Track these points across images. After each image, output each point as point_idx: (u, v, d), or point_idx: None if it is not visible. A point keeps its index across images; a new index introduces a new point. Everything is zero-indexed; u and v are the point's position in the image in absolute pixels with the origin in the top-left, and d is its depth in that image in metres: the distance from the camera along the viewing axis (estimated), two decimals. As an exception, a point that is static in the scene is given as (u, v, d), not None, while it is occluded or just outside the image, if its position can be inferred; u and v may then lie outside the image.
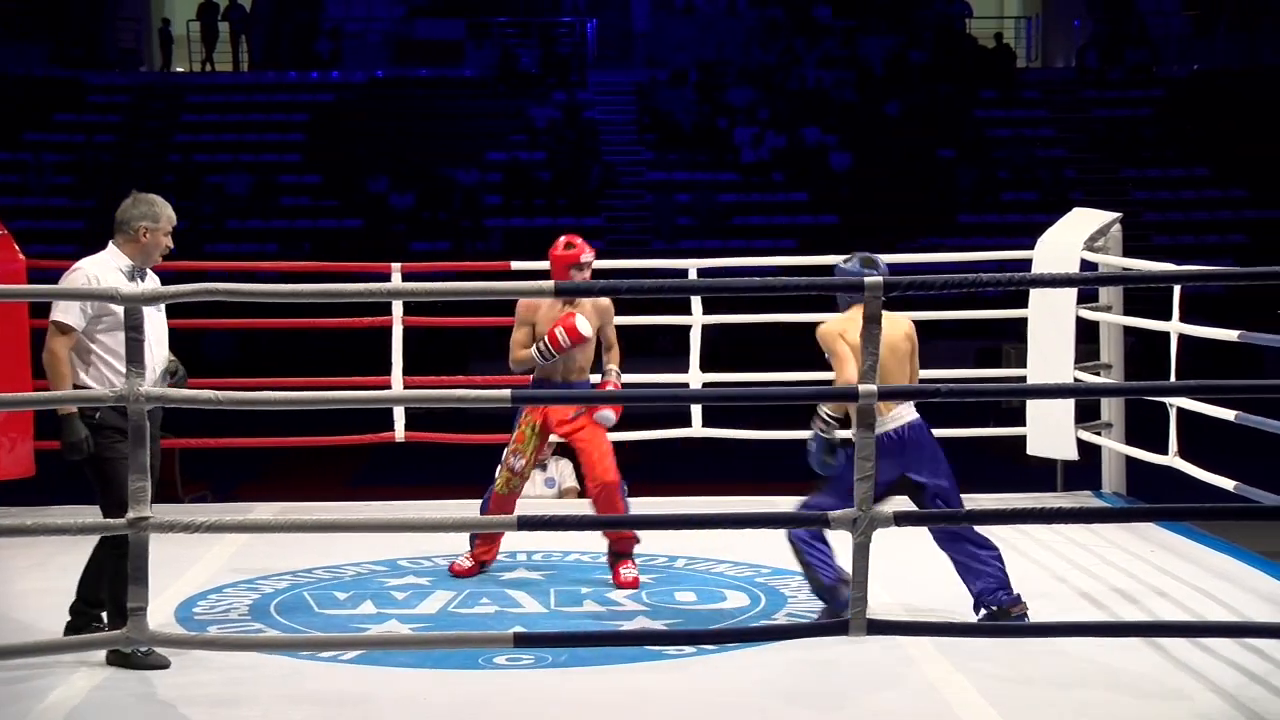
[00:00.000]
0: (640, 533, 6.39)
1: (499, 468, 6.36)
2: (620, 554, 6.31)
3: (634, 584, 6.20)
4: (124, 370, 4.64)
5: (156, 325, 5.24)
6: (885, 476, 5.21)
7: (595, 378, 6.45)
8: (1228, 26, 25.40)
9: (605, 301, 6.38)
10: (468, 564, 6.37)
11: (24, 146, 22.49)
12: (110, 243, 5.35)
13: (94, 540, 5.72)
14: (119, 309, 4.92)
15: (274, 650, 5.24)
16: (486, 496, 6.35)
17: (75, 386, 5.18)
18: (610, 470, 6.27)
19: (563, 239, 6.36)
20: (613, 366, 6.41)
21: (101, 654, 5.06)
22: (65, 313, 5.14)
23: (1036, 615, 5.44)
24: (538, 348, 6.16)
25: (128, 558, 4.50)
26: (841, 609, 5.17)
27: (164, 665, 5.09)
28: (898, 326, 5.54)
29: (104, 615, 5.30)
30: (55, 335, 5.16)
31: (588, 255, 6.30)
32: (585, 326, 6.16)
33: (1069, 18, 26.82)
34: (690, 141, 23.09)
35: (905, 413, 5.37)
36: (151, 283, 5.39)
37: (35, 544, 6.76)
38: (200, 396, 4.53)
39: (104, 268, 5.27)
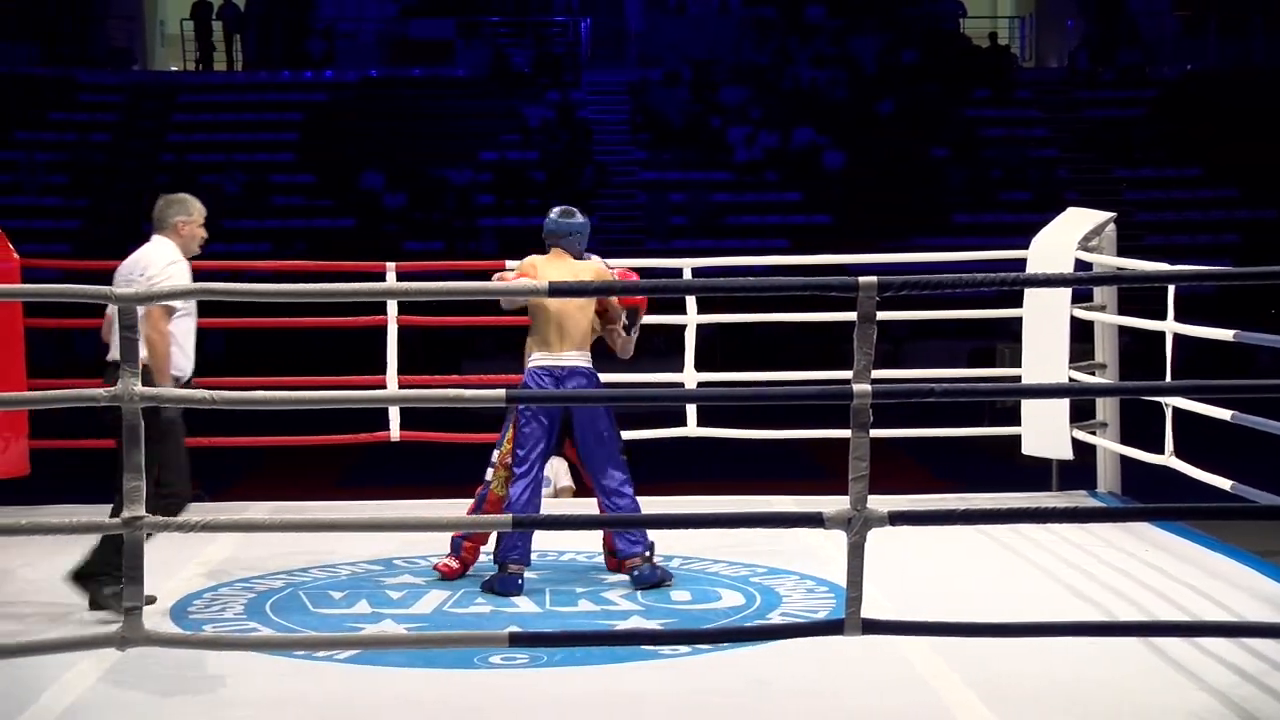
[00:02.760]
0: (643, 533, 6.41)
1: (491, 469, 6.34)
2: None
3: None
4: (188, 353, 5.88)
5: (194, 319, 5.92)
6: (552, 414, 6.12)
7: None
8: (1219, 27, 25.43)
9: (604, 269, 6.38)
10: (455, 565, 6.35)
11: (16, 145, 22.44)
12: (155, 237, 5.97)
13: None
14: (193, 305, 5.84)
15: (269, 650, 5.23)
16: (481, 495, 6.34)
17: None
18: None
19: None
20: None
21: (94, 655, 5.04)
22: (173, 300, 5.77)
23: (1032, 615, 5.45)
24: (624, 326, 6.33)
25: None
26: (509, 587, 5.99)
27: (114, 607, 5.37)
28: (583, 272, 6.19)
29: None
30: (164, 317, 5.79)
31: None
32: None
33: (1062, 18, 26.85)
34: (683, 141, 23.09)
35: (573, 357, 6.13)
36: None
37: (29, 544, 6.75)
38: (194, 396, 4.53)
39: (170, 256, 5.92)
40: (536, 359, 6.19)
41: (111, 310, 5.48)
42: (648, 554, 6.15)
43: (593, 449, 6.21)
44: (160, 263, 5.89)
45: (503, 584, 6.09)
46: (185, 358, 5.94)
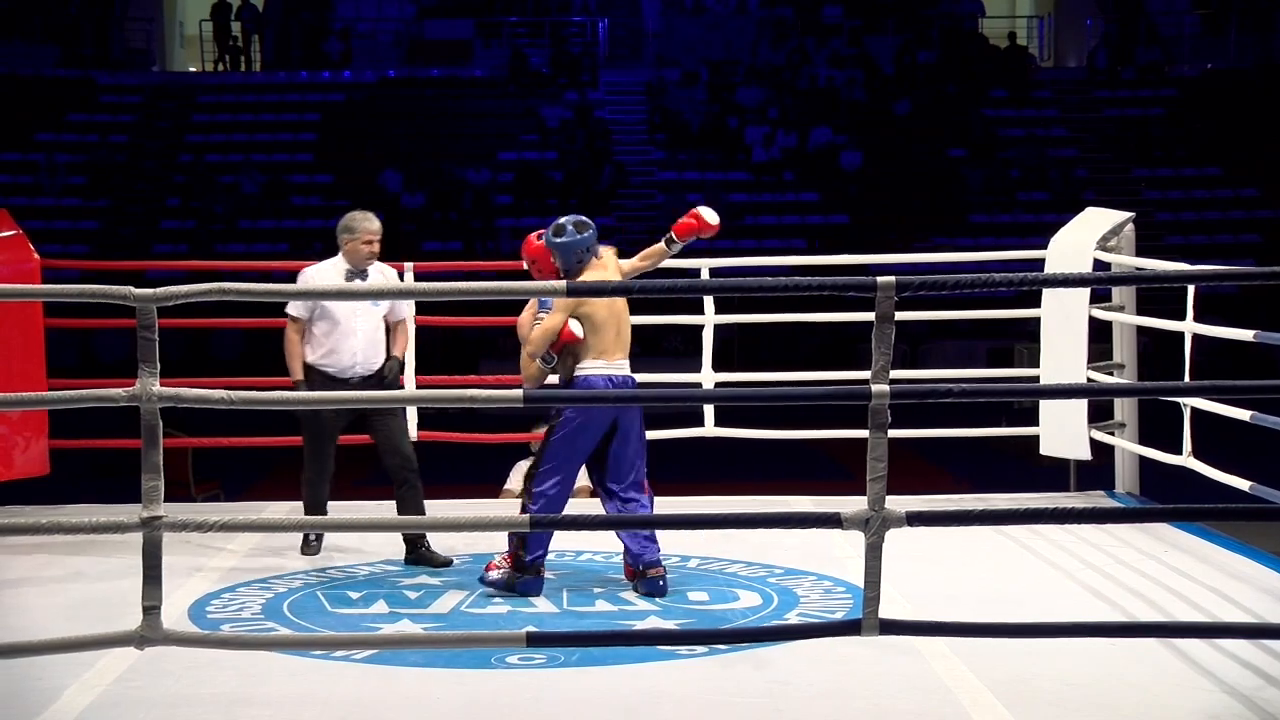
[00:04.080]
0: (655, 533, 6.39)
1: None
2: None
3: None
4: (332, 349, 6.52)
5: (366, 319, 6.53)
6: (603, 420, 5.98)
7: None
8: (1239, 26, 25.35)
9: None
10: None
11: (37, 147, 22.54)
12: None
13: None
14: (332, 305, 6.46)
15: (287, 650, 5.24)
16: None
17: (304, 363, 6.57)
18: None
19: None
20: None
21: (113, 654, 5.06)
22: (293, 307, 6.55)
23: (1050, 615, 5.43)
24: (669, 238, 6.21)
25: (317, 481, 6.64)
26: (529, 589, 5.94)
27: None
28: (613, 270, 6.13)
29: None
30: (289, 325, 6.59)
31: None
32: (712, 215, 6.27)
33: (1081, 17, 26.79)
34: (701, 141, 23.10)
35: (625, 365, 6.05)
36: (375, 278, 6.60)
37: (48, 543, 6.78)
38: (212, 396, 4.53)
39: (323, 270, 6.61)
40: (598, 367, 6.02)
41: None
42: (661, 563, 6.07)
43: (621, 451, 6.08)
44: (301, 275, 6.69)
45: (525, 586, 6.05)
46: (327, 354, 6.58)
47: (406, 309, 6.82)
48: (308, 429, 6.72)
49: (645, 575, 6.06)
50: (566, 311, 5.95)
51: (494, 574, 6.05)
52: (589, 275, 6.04)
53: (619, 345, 6.05)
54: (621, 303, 6.07)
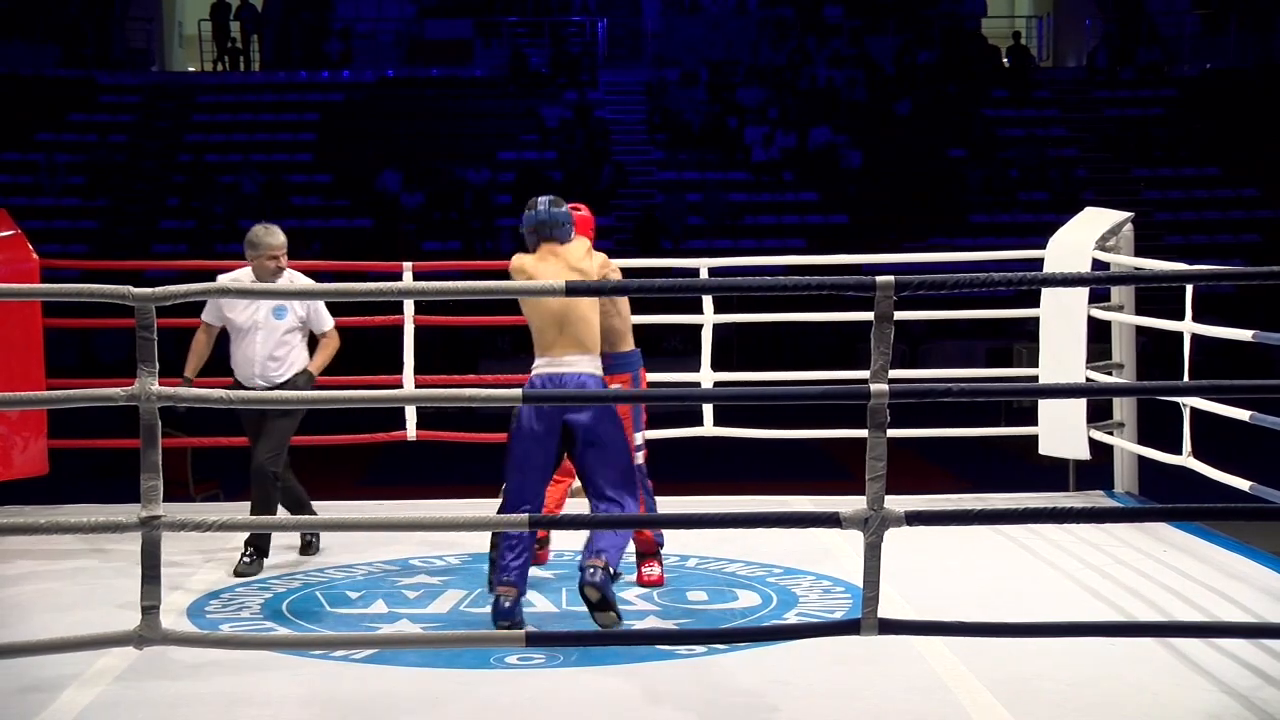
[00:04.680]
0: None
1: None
2: (643, 553, 6.32)
3: (658, 581, 6.25)
4: (236, 358, 6.59)
5: (264, 331, 6.52)
6: (547, 425, 5.50)
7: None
8: (1239, 26, 25.34)
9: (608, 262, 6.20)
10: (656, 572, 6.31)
11: (36, 147, 22.54)
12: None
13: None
14: (233, 316, 6.53)
15: (286, 649, 5.24)
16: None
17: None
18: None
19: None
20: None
21: (112, 653, 5.06)
22: (205, 314, 6.65)
23: (1049, 615, 5.44)
24: None
25: (269, 498, 6.38)
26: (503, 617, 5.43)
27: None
28: (582, 262, 5.69)
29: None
30: (200, 327, 6.68)
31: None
32: None
33: (1080, 17, 26.79)
34: (700, 141, 23.09)
35: (578, 363, 5.56)
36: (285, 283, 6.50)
37: (48, 542, 6.78)
38: (212, 395, 4.54)
39: (235, 279, 6.59)
40: (538, 365, 5.59)
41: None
42: (610, 565, 5.54)
43: (585, 458, 5.56)
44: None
45: (494, 609, 5.52)
46: (238, 354, 6.63)
47: (329, 322, 6.71)
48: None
49: (589, 566, 5.50)
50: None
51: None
52: (539, 262, 5.63)
53: (565, 343, 5.55)
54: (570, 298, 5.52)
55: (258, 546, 6.51)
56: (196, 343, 6.66)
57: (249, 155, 22.67)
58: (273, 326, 6.55)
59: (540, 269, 5.62)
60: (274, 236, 6.53)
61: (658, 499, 6.44)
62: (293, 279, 6.63)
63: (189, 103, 24.37)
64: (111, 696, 4.84)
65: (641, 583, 6.25)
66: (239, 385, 6.58)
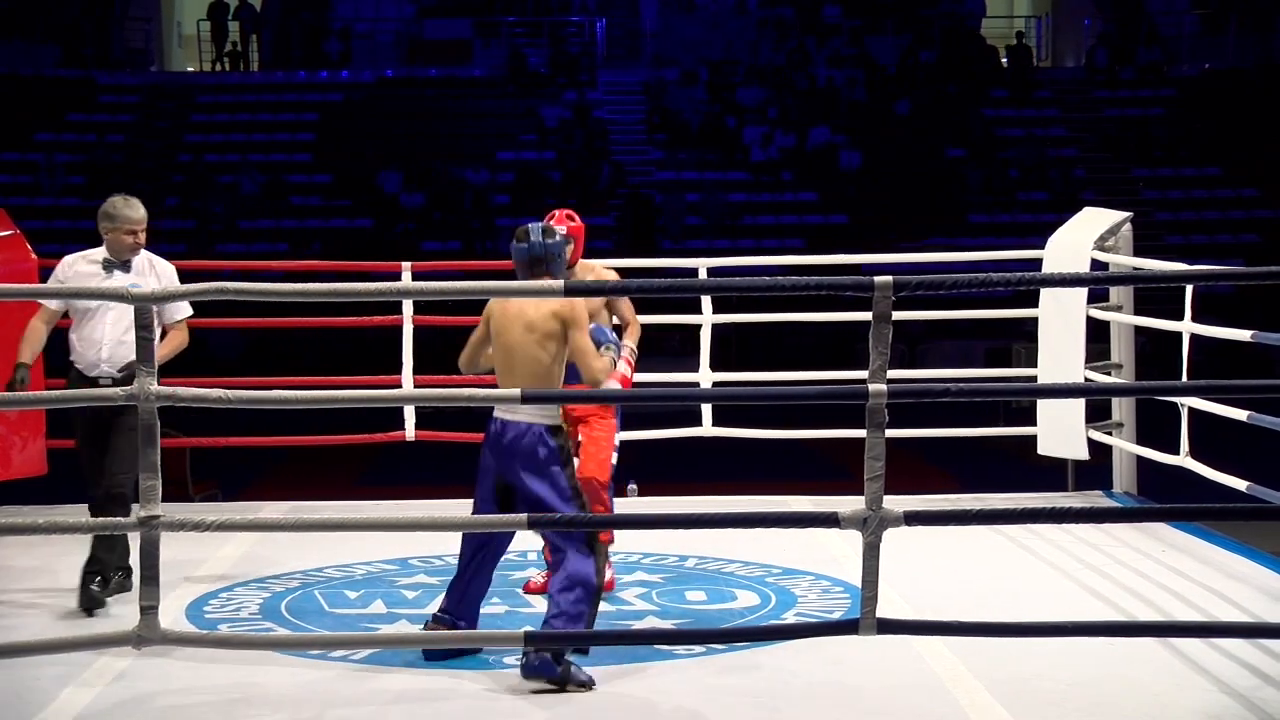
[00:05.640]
0: (652, 532, 6.36)
1: None
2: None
3: (609, 586, 5.93)
4: (79, 345, 5.95)
5: (115, 314, 5.89)
6: (485, 468, 5.09)
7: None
8: (1238, 25, 25.34)
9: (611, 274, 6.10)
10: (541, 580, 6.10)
11: (36, 147, 22.54)
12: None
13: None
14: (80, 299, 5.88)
15: (285, 649, 5.24)
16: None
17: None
18: (602, 468, 5.96)
19: (559, 212, 6.06)
20: (628, 343, 6.02)
21: (111, 654, 5.06)
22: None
23: (1048, 615, 5.44)
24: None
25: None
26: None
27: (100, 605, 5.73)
28: (529, 308, 5.09)
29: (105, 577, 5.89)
30: (39, 311, 6.08)
31: (558, 228, 5.67)
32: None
33: (1079, 17, 26.78)
34: (699, 141, 23.09)
35: (521, 410, 5.00)
36: (141, 269, 6.02)
37: (45, 543, 6.78)
38: (210, 395, 4.54)
39: (81, 259, 6.05)
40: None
41: None
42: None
43: (547, 506, 5.02)
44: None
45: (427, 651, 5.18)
46: (81, 344, 5.99)
47: (182, 310, 5.99)
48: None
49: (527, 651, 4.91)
50: (484, 321, 5.25)
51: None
52: (504, 306, 5.17)
53: (511, 376, 5.11)
54: (518, 326, 5.09)
55: (103, 574, 5.89)
56: (33, 330, 6.02)
57: (248, 155, 22.66)
58: (124, 309, 5.76)
59: (506, 312, 5.13)
60: (134, 210, 6.01)
61: (655, 499, 6.43)
62: (151, 261, 6.08)
63: (188, 103, 24.36)
64: (110, 697, 4.84)
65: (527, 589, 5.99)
66: (78, 376, 5.96)
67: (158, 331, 5.72)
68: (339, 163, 22.54)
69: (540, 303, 5.10)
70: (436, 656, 5.15)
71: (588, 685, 4.88)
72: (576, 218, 6.10)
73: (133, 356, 5.57)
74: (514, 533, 5.28)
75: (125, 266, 6.00)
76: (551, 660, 4.85)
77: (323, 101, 24.25)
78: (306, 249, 19.81)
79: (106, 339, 5.93)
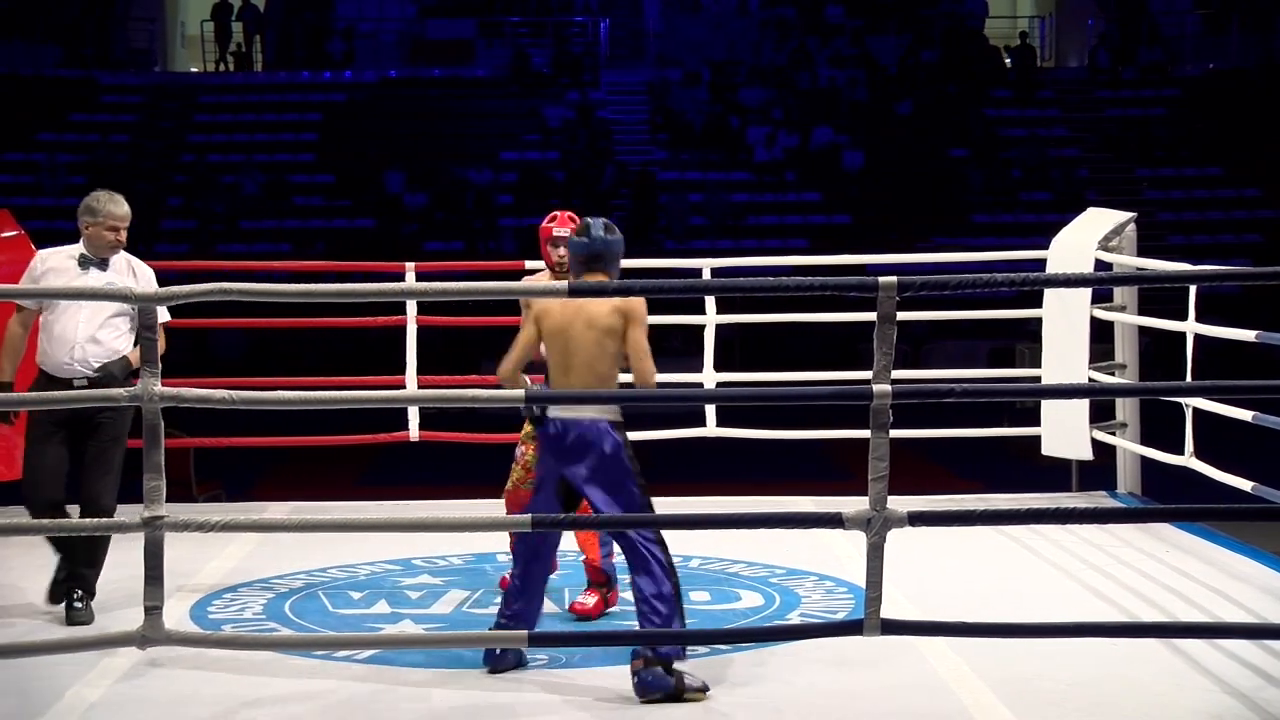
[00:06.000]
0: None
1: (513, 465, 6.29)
2: (591, 581, 5.92)
3: (589, 612, 5.77)
4: (49, 345, 5.70)
5: (91, 313, 5.69)
6: (547, 473, 4.98)
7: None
8: (1241, 25, 25.33)
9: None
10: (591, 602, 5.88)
11: (38, 147, 22.55)
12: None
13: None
14: (59, 283, 5.65)
15: (288, 650, 5.24)
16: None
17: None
18: None
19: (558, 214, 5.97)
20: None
21: (115, 654, 5.07)
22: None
23: (1051, 615, 5.43)
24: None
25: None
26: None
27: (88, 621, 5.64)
28: (587, 308, 4.99)
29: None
30: (15, 313, 5.82)
31: (560, 230, 5.81)
32: None
33: (1082, 17, 26.78)
34: (702, 141, 23.10)
35: (585, 408, 4.91)
36: (119, 269, 5.81)
37: (46, 543, 6.77)
38: (214, 396, 4.54)
39: (56, 255, 5.81)
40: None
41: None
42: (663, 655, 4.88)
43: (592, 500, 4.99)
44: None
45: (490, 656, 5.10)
46: (50, 345, 5.73)
47: (162, 314, 5.27)
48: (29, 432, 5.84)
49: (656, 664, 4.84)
50: (532, 322, 5.11)
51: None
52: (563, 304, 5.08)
53: (568, 375, 5.01)
54: (579, 323, 4.98)
55: (85, 588, 5.76)
56: (12, 335, 5.74)
57: (251, 155, 22.67)
58: (100, 308, 5.67)
59: (565, 310, 5.03)
60: (118, 205, 5.75)
61: (659, 499, 6.41)
62: (130, 262, 5.86)
63: (191, 103, 24.37)
64: (115, 697, 4.84)
65: (573, 610, 5.82)
66: (48, 379, 5.71)
67: (130, 327, 5.71)
68: (342, 163, 22.54)
69: (600, 300, 4.99)
70: (498, 669, 5.07)
71: (703, 691, 4.78)
72: (579, 219, 6.06)
73: (106, 357, 5.68)
74: (561, 534, 5.23)
75: (103, 264, 5.75)
76: (664, 673, 4.77)
77: (326, 102, 24.25)
78: (309, 249, 19.82)
79: (79, 338, 5.69)
